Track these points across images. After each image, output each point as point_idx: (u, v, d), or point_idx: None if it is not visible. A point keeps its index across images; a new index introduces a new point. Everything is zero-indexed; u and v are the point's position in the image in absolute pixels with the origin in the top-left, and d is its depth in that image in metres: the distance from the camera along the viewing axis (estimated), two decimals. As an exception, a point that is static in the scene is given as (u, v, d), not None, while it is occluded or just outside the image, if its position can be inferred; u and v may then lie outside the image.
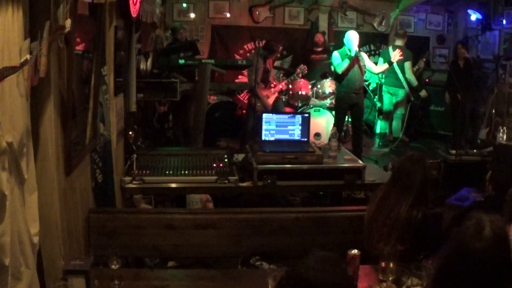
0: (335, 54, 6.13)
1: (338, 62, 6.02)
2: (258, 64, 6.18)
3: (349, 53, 5.93)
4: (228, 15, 8.15)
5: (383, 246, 2.44)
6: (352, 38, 5.94)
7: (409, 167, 2.60)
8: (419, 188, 2.56)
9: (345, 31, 6.24)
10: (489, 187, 3.42)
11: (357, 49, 5.90)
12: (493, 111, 6.73)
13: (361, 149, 6.17)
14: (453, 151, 5.30)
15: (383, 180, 3.79)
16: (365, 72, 6.37)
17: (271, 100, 6.58)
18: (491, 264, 1.37)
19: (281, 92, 6.87)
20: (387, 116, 7.33)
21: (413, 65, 7.14)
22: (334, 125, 5.99)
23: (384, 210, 2.59)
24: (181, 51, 6.42)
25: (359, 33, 6.13)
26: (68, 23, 2.05)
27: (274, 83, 6.73)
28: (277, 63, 7.97)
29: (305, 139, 3.86)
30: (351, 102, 6.09)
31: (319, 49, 7.36)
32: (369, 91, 7.66)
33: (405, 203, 2.53)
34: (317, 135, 6.52)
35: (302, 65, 7.00)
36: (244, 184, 3.57)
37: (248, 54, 7.94)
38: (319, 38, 7.40)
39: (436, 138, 7.60)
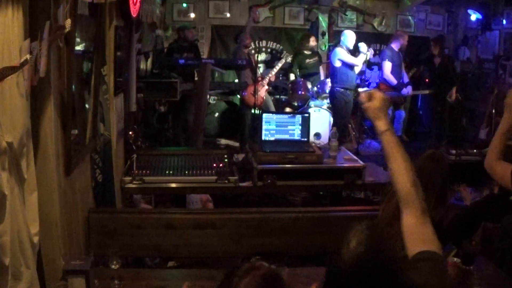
0: (340, 50, 6.20)
1: (347, 55, 6.20)
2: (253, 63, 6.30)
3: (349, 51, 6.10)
4: (228, 15, 8.15)
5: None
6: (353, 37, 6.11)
7: (431, 167, 2.54)
8: (441, 188, 2.52)
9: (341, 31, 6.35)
10: (495, 188, 3.41)
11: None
12: (493, 111, 6.73)
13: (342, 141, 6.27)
14: (453, 151, 5.30)
15: (383, 180, 3.80)
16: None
17: (262, 93, 6.64)
18: (359, 270, 1.21)
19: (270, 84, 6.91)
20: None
21: (412, 66, 7.14)
22: (334, 125, 6.04)
23: None
24: (185, 51, 6.43)
25: (359, 33, 6.18)
26: (68, 23, 2.05)
27: (260, 77, 6.78)
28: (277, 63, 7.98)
29: (305, 139, 3.86)
30: (347, 99, 6.18)
31: (310, 52, 7.35)
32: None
33: (428, 204, 2.48)
34: (317, 135, 6.52)
35: (285, 52, 7.04)
36: (244, 184, 3.57)
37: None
38: (313, 41, 7.35)
39: (436, 138, 7.59)
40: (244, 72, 6.52)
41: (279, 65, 6.87)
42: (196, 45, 6.97)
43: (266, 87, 6.72)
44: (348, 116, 6.66)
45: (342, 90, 6.32)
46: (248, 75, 6.52)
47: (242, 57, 6.47)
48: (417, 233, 1.54)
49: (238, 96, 7.57)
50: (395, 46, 6.91)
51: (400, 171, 1.65)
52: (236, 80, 8.06)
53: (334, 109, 6.50)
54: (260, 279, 1.25)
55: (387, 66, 6.75)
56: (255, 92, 6.27)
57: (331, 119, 6.52)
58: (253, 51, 7.48)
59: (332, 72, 6.45)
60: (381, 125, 1.67)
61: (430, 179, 2.52)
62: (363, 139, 7.06)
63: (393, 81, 6.78)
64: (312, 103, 6.86)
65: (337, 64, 6.30)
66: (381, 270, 1.21)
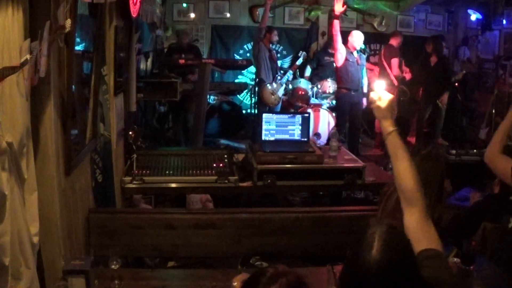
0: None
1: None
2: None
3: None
4: (228, 15, 8.15)
5: None
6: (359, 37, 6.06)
7: (429, 166, 2.54)
8: (439, 186, 2.52)
9: (345, 31, 6.25)
10: (496, 188, 3.41)
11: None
12: (493, 111, 6.74)
13: (357, 149, 6.12)
14: (453, 151, 5.30)
15: (383, 180, 3.80)
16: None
17: (280, 93, 6.71)
18: (384, 277, 1.23)
19: None
20: None
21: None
22: (336, 125, 6.02)
23: None
24: (184, 51, 6.44)
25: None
26: (68, 23, 2.05)
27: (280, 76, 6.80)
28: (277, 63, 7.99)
29: (305, 139, 3.85)
30: (351, 100, 6.10)
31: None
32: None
33: (428, 203, 2.48)
34: (317, 135, 6.52)
35: (301, 51, 7.04)
36: (244, 184, 3.57)
37: (248, 54, 7.94)
38: None
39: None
40: (264, 69, 6.47)
41: (297, 63, 6.90)
42: (195, 46, 6.96)
43: (284, 86, 6.72)
44: (359, 119, 6.41)
45: (346, 91, 6.07)
46: (267, 73, 6.50)
47: (263, 51, 6.38)
48: (421, 232, 1.57)
49: (241, 94, 7.59)
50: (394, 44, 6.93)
51: (405, 171, 1.69)
52: (237, 80, 8.08)
53: (337, 111, 6.40)
54: (287, 287, 1.25)
55: (397, 62, 6.69)
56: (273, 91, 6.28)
57: (331, 119, 6.51)
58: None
59: (335, 72, 6.33)
60: (388, 125, 1.73)
61: (428, 178, 2.52)
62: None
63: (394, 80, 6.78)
64: (312, 103, 6.86)
65: (339, 63, 6.17)
66: (405, 276, 1.25)
